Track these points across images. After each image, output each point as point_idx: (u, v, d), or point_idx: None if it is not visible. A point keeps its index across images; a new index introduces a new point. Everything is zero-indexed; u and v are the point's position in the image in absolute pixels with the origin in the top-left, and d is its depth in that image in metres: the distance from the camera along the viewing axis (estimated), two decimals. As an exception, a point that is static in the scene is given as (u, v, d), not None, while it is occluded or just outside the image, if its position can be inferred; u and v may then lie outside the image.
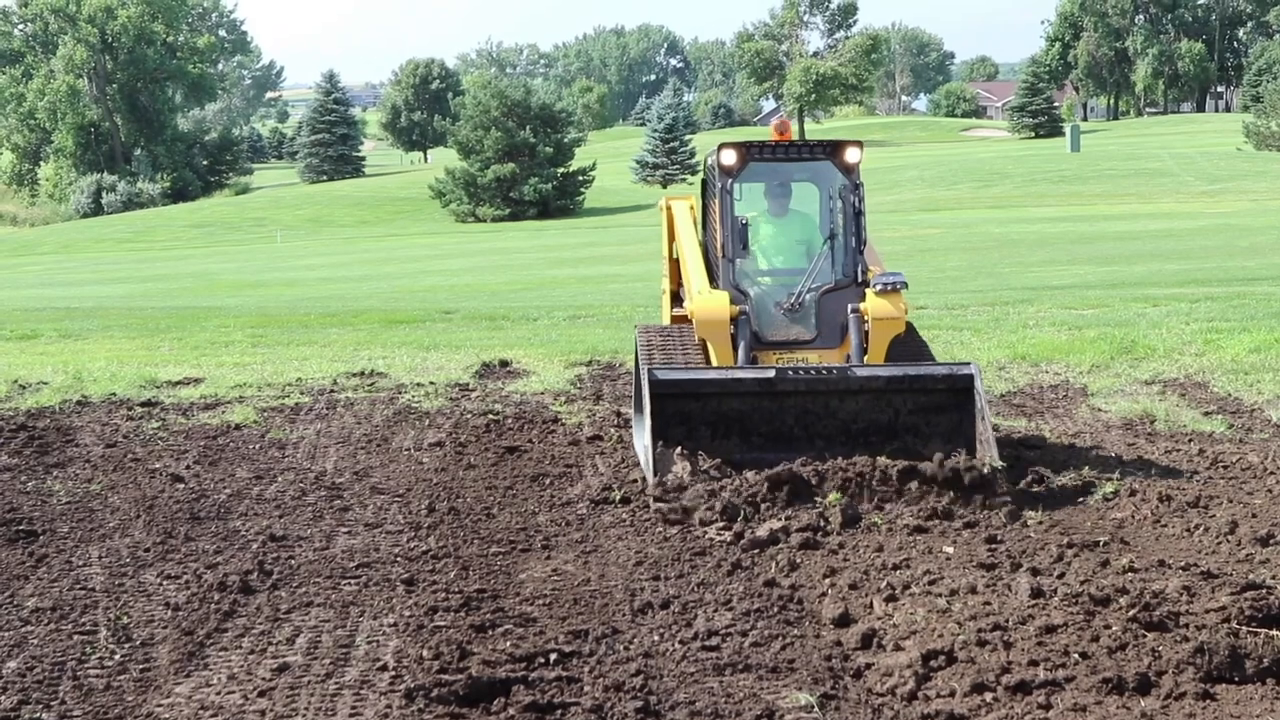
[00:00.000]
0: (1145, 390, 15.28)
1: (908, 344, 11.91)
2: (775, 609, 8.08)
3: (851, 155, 11.88)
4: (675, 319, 13.08)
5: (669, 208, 13.48)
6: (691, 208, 13.33)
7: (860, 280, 11.87)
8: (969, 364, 11.38)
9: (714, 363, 11.71)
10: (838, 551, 9.29)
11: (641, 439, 11.39)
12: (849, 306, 11.71)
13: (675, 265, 13.36)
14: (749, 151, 11.98)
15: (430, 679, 6.95)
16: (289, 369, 18.09)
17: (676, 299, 13.26)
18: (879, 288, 11.61)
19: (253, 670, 7.32)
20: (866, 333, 11.56)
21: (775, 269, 12.22)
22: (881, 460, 10.39)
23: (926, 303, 23.37)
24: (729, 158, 11.86)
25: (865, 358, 11.53)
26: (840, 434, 11.03)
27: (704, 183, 12.92)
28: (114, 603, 8.48)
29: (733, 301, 11.70)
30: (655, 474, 10.62)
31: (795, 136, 11.42)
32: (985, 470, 10.32)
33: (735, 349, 11.64)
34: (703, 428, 11.06)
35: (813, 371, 11.11)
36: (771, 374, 11.01)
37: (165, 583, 8.91)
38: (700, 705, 6.72)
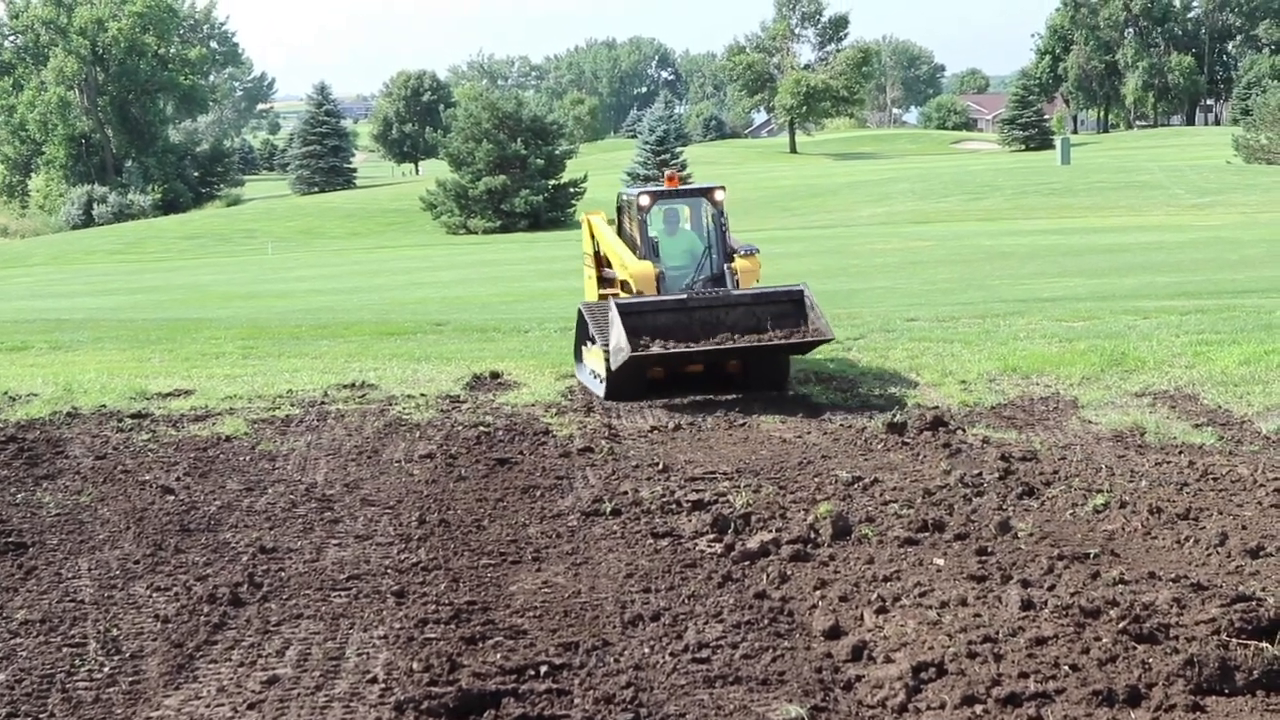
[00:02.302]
0: (1135, 402, 15.31)
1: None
2: (766, 621, 8.08)
3: (717, 195, 17.99)
4: (602, 297, 18.21)
5: (590, 221, 19.18)
6: (603, 218, 19.01)
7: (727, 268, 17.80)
8: (801, 284, 17.08)
9: None
10: (828, 563, 9.30)
11: (583, 371, 17.63)
12: (726, 265, 17.68)
13: (597, 259, 18.93)
14: (656, 196, 17.93)
15: (420, 691, 6.94)
16: (280, 381, 18.08)
17: (603, 281, 18.73)
18: (743, 254, 17.70)
19: (242, 683, 7.31)
20: (738, 280, 17.44)
21: (674, 265, 17.89)
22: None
23: (917, 315, 23.40)
24: (644, 200, 17.65)
25: None
26: (725, 331, 16.45)
27: (619, 208, 18.61)
28: (103, 615, 8.47)
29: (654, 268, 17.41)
30: (614, 366, 16.07)
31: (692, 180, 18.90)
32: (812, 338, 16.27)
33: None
34: (644, 331, 16.19)
35: (709, 293, 16.92)
36: (685, 297, 16.76)
37: (155, 595, 8.90)
38: (691, 718, 6.72)
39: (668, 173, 18.67)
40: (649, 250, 17.58)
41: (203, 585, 9.00)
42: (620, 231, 18.50)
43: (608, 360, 16.25)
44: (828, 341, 16.53)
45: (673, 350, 16.02)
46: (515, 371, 18.48)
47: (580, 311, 17.65)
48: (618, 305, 16.20)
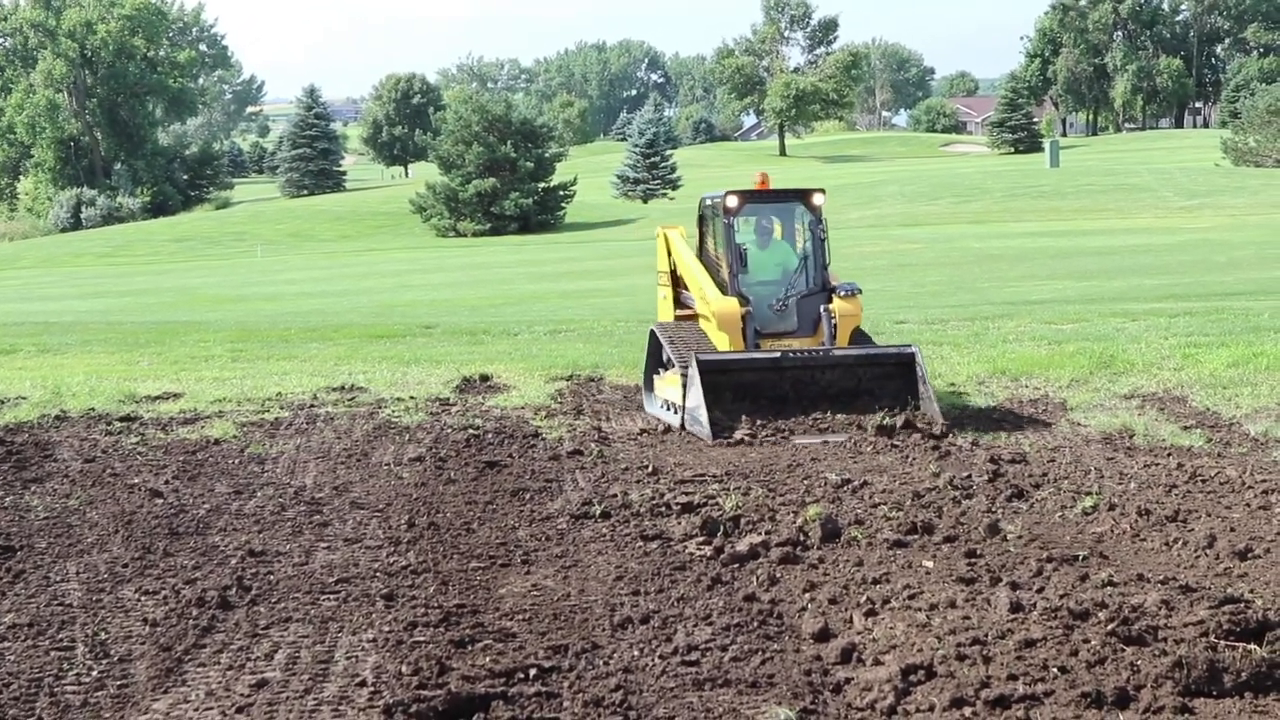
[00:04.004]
0: (1124, 405, 15.33)
1: (862, 334, 15.84)
2: (755, 623, 8.08)
3: (816, 199, 15.88)
4: (680, 317, 16.73)
5: (666, 236, 17.14)
6: (681, 234, 16.98)
7: (825, 288, 15.81)
8: (913, 346, 15.09)
9: (725, 348, 15.35)
10: (817, 566, 9.30)
11: (654, 403, 15.68)
12: (821, 307, 15.64)
13: (673, 277, 16.94)
14: (746, 197, 15.79)
15: (409, 695, 6.93)
16: (269, 384, 18.06)
17: (677, 302, 16.88)
18: (843, 294, 15.63)
19: (231, 686, 7.29)
20: (835, 325, 15.45)
21: (765, 280, 15.92)
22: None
23: (906, 317, 23.44)
24: (732, 202, 15.57)
25: (834, 343, 15.40)
26: (821, 392, 14.76)
27: (701, 217, 16.54)
28: (92, 619, 8.44)
29: (741, 304, 15.44)
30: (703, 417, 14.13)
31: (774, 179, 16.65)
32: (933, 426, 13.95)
33: (745, 338, 15.34)
34: (727, 393, 14.59)
35: (804, 353, 14.96)
36: (778, 355, 14.86)
37: (143, 598, 8.88)
38: (680, 720, 6.72)
39: (758, 173, 16.60)
40: (735, 260, 15.56)
41: (191, 589, 8.98)
42: (702, 245, 16.56)
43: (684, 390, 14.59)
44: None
45: (761, 436, 13.87)
46: (505, 374, 18.47)
47: (652, 333, 16.08)
48: (700, 362, 14.32)
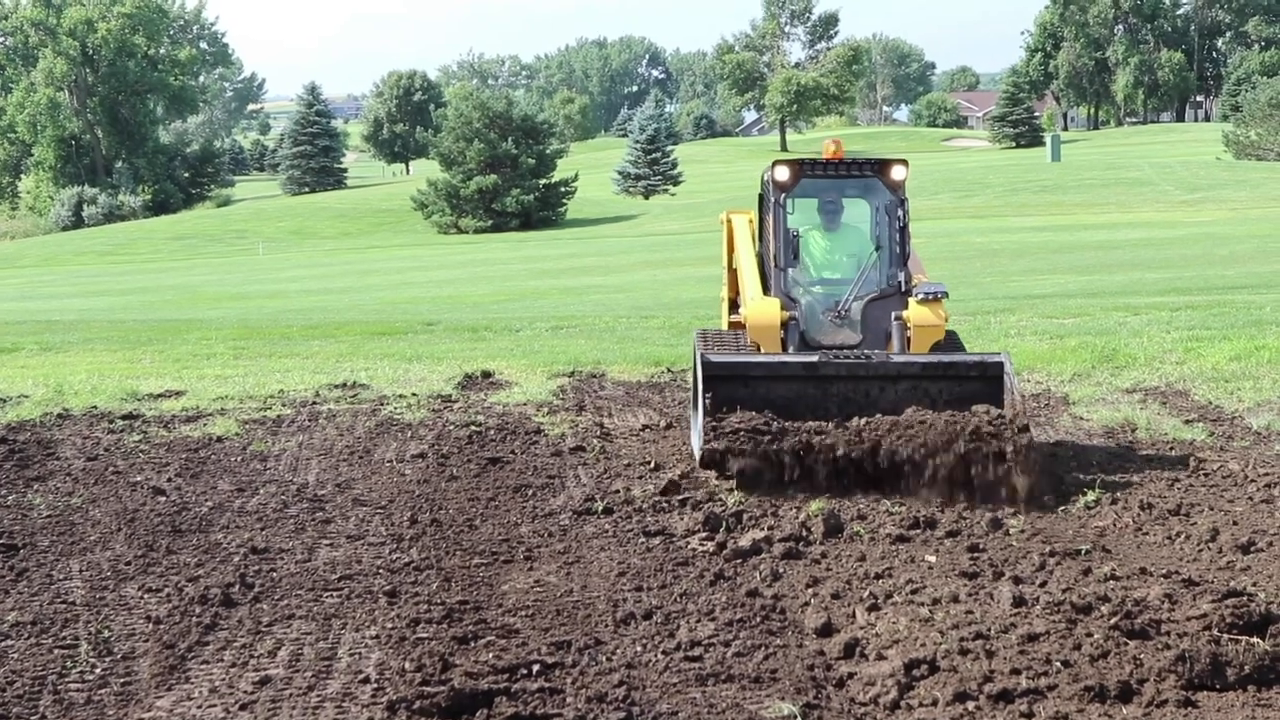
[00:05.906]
0: (1126, 399, 15.33)
1: (954, 343, 12.50)
2: (758, 619, 8.08)
3: (897, 173, 12.52)
4: (732, 325, 13.68)
5: (729, 221, 14.06)
6: (750, 222, 13.77)
7: (904, 289, 12.45)
8: (1000, 353, 11.92)
9: None
10: (820, 561, 9.31)
11: (695, 428, 12.07)
12: (893, 314, 12.26)
13: (734, 275, 13.91)
14: (801, 168, 12.54)
15: (412, 691, 6.94)
16: (271, 381, 18.04)
17: (734, 306, 13.84)
18: (921, 297, 12.10)
19: (234, 683, 7.30)
20: (908, 338, 12.08)
21: (825, 278, 12.71)
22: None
23: (908, 312, 23.41)
24: (782, 174, 12.43)
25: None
26: (880, 413, 11.43)
27: (760, 197, 13.19)
28: (95, 616, 8.45)
29: (783, 308, 12.27)
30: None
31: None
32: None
33: (785, 351, 12.16)
34: (752, 405, 11.53)
35: (854, 357, 11.61)
36: (815, 360, 11.57)
37: (146, 596, 8.88)
38: (683, 716, 6.72)
39: (829, 140, 12.97)
40: (783, 250, 12.34)
41: (194, 586, 8.98)
42: (760, 230, 13.29)
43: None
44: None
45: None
46: (507, 371, 18.45)
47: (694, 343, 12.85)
48: (706, 365, 11.57)
